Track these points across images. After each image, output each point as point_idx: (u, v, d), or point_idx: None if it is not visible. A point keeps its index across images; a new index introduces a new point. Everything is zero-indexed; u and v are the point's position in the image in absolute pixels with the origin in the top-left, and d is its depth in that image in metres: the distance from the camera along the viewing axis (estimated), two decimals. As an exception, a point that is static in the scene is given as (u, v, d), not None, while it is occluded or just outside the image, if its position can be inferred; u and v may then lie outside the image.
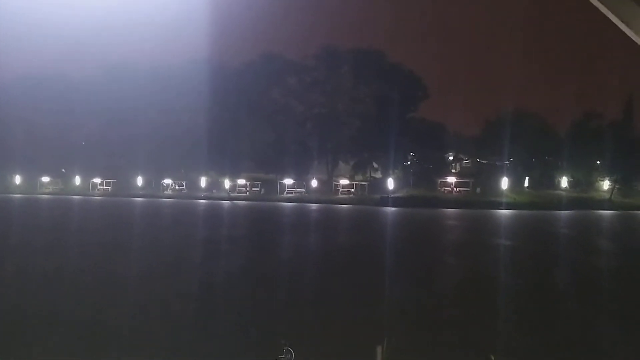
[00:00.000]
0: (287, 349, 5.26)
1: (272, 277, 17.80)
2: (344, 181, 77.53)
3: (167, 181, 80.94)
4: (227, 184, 78.45)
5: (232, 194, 75.32)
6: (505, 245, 28.19)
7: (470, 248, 27.29)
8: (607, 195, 69.08)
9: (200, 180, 79.93)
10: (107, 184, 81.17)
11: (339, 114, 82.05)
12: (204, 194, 75.62)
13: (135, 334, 10.73)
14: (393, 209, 57.68)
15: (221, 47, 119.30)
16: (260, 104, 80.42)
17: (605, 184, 72.67)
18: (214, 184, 79.57)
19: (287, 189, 76.16)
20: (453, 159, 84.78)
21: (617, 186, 69.53)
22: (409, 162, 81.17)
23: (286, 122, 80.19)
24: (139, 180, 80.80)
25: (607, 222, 49.29)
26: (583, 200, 65.12)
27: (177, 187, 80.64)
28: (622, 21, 2.76)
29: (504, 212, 56.78)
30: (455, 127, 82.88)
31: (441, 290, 16.35)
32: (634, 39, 2.74)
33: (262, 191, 76.44)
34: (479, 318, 12.91)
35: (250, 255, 22.76)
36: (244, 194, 76.08)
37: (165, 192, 78.91)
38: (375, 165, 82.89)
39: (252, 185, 78.50)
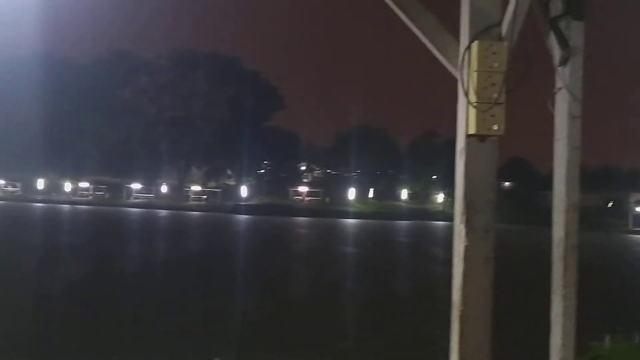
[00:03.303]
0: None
1: (99, 289, 16.49)
2: (196, 187, 75.86)
3: (-1, 181, 72.99)
4: (68, 186, 72.77)
5: (73, 198, 70.03)
6: (349, 253, 29.48)
7: (316, 255, 28.08)
8: (441, 207, 75.37)
9: (37, 181, 73.15)
10: None
11: (193, 118, 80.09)
12: (42, 196, 69.35)
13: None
14: (245, 216, 57.58)
15: (67, 41, 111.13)
16: (109, 102, 75.70)
17: (440, 197, 79.20)
18: (54, 186, 73.38)
19: (134, 194, 72.63)
20: (305, 169, 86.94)
21: (449, 199, 76.14)
22: (263, 170, 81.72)
23: (136, 123, 76.37)
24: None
25: (440, 231, 53.64)
26: (420, 211, 70.46)
27: (10, 188, 73.00)
28: (439, 51, 3.01)
29: (351, 221, 59.36)
30: (309, 138, 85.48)
31: (283, 298, 16.58)
32: (447, 67, 2.99)
33: (107, 195, 72.05)
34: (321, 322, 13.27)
35: (80, 265, 20.93)
36: (87, 198, 71.15)
37: (-4, 193, 71.07)
38: (229, 172, 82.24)
39: (96, 189, 73.62)
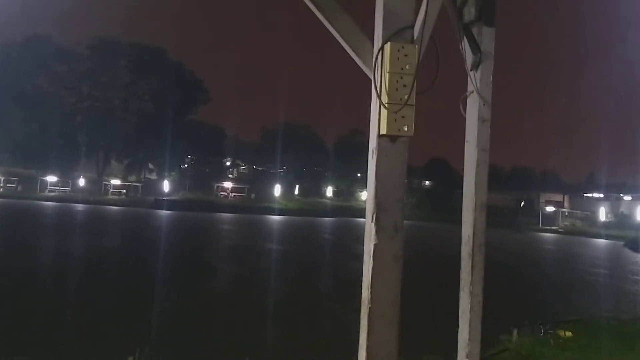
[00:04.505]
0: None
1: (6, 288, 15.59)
2: (116, 181, 73.20)
3: None
4: (-25, 178, 68.18)
5: (-20, 190, 65.71)
6: (273, 249, 29.45)
7: (239, 252, 27.85)
8: (364, 205, 76.93)
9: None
10: None
11: (113, 109, 77.06)
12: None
13: None
14: (167, 212, 56.16)
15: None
16: (22, 90, 71.38)
17: (364, 195, 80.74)
18: (-41, 178, 68.57)
19: (49, 187, 69.09)
20: (231, 165, 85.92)
21: (373, 197, 77.69)
22: (186, 165, 80.00)
23: (52, 113, 72.39)
24: None
25: (362, 229, 54.54)
26: (344, 208, 71.49)
27: None
28: (354, 52, 3.04)
29: (276, 217, 59.33)
30: (235, 133, 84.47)
31: (204, 295, 16.33)
32: (362, 68, 3.02)
33: (19, 188, 68.09)
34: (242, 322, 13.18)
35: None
36: (-4, 190, 66.97)
37: None
38: (150, 166, 79.86)
39: (7, 181, 69.41)
